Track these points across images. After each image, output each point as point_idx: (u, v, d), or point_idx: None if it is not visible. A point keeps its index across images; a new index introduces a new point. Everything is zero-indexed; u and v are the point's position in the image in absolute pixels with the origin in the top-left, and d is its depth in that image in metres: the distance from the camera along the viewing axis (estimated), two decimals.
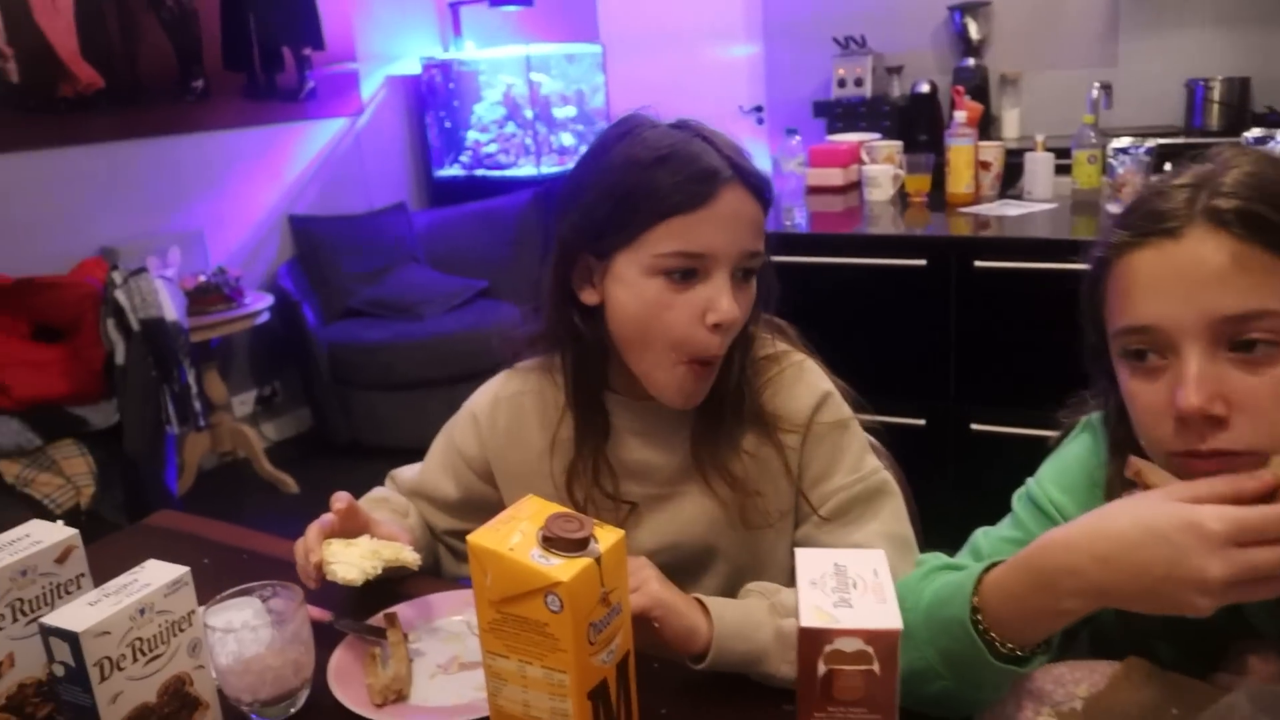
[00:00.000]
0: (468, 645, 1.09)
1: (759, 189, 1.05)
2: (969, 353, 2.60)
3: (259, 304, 3.67)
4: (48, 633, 0.83)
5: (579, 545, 0.74)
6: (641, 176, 1.02)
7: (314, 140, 4.41)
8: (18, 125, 3.40)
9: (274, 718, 1.00)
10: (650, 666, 0.95)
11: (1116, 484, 0.88)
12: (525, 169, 4.74)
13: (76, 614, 0.84)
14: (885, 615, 0.68)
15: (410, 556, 1.10)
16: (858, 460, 1.14)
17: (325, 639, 1.06)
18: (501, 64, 4.85)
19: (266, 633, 0.99)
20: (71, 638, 0.82)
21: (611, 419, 1.16)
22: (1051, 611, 0.77)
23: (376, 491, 1.33)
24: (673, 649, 0.97)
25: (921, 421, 2.68)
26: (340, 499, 1.12)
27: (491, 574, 0.75)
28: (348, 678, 1.03)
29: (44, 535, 0.92)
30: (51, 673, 0.85)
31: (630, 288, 1.04)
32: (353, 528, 1.12)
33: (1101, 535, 0.74)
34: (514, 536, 0.76)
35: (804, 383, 1.14)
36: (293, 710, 1.01)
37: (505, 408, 1.22)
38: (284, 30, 4.28)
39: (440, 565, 1.30)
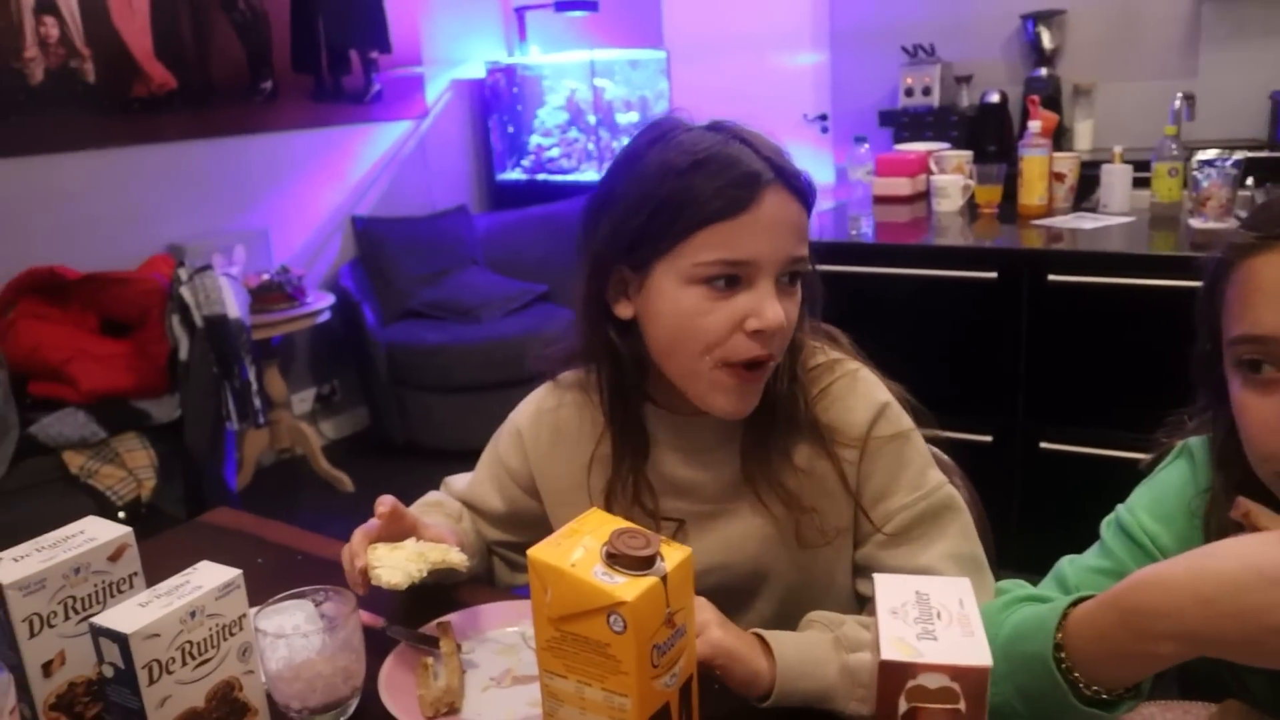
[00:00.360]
0: (522, 658, 1.06)
1: (802, 191, 1.00)
2: (1040, 368, 2.53)
3: (320, 303, 3.69)
4: (98, 633, 0.81)
5: (645, 563, 0.70)
6: (678, 183, 0.97)
7: (379, 142, 4.44)
8: (93, 124, 3.46)
9: None
10: (711, 688, 0.91)
11: (1221, 504, 0.82)
12: (587, 174, 4.73)
13: (127, 615, 0.82)
14: (974, 650, 0.63)
15: (457, 558, 1.07)
16: (920, 475, 1.08)
17: (376, 646, 1.04)
18: (565, 69, 4.85)
19: (318, 639, 0.97)
20: (121, 639, 0.80)
21: (653, 435, 1.12)
22: (1143, 655, 0.71)
23: (431, 496, 1.31)
24: (734, 691, 0.93)
25: (988, 438, 2.60)
26: (384, 503, 1.09)
27: (552, 590, 0.72)
28: (398, 687, 1.00)
29: (98, 533, 0.90)
30: (101, 673, 0.83)
31: (668, 298, 1.00)
32: (399, 531, 1.09)
33: (1205, 576, 0.67)
34: (576, 551, 0.72)
35: (859, 393, 1.08)
36: (350, 712, 0.99)
37: (547, 422, 1.19)
38: (352, 33, 4.32)
39: (494, 575, 1.27)
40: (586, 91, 4.74)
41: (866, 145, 3.19)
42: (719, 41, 4.74)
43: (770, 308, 0.97)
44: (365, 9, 4.37)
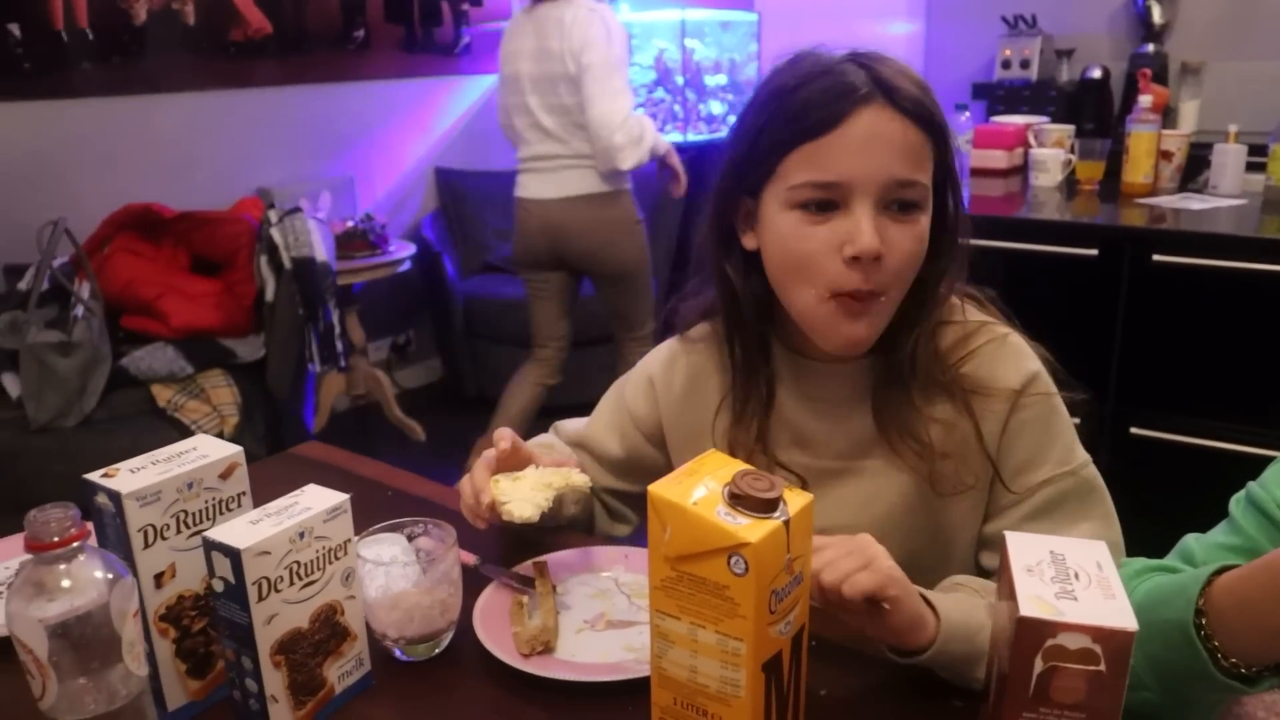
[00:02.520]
0: (615, 603, 1.05)
1: (914, 111, 0.93)
2: (1135, 350, 2.45)
3: (402, 252, 3.72)
4: (210, 547, 0.82)
5: (769, 506, 0.68)
6: (781, 102, 0.94)
7: (465, 95, 4.44)
8: (190, 66, 3.51)
9: (418, 657, 0.98)
10: (809, 644, 0.89)
11: None
12: (672, 135, 4.68)
13: (239, 531, 0.83)
14: (1118, 613, 0.60)
15: (580, 479, 1.07)
16: (1068, 450, 1.02)
17: (470, 584, 1.04)
18: (655, 28, 4.79)
19: (416, 570, 0.98)
20: (234, 554, 0.81)
21: (781, 382, 1.09)
22: None
23: (541, 438, 1.30)
24: (888, 638, 0.86)
25: (1076, 420, 2.52)
26: (504, 436, 1.09)
27: (671, 528, 0.70)
28: (492, 624, 1.00)
29: (210, 450, 0.91)
30: (210, 587, 0.84)
31: (773, 225, 0.97)
32: (515, 463, 1.09)
33: None
34: (697, 490, 0.71)
35: (1008, 358, 1.03)
36: (437, 651, 0.99)
37: (680, 369, 1.17)
38: None
39: (594, 521, 1.26)
40: (675, 52, 4.68)
41: (968, 114, 3.10)
42: (812, 6, 4.64)
43: (865, 232, 0.92)
44: None
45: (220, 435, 2.79)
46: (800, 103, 0.93)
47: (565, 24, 2.88)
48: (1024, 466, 1.02)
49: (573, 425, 1.29)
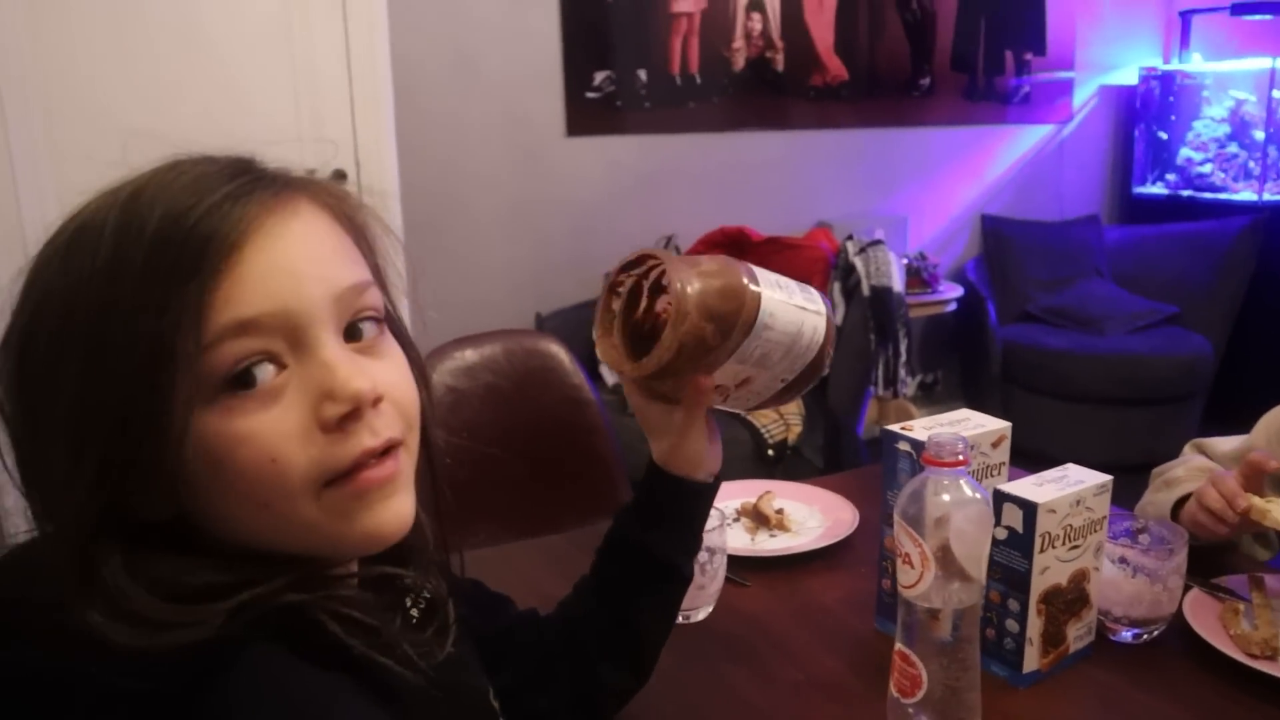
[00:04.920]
0: None
1: None
2: None
3: (950, 293, 3.82)
4: (1003, 498, 0.96)
5: None
6: None
7: (1017, 144, 4.46)
8: (777, 107, 3.90)
9: (1127, 640, 1.05)
10: None
11: None
12: (1243, 194, 4.34)
13: (1028, 489, 0.96)
14: None
15: None
16: None
17: None
18: (1232, 78, 4.48)
19: (1150, 557, 1.05)
20: (1029, 507, 0.94)
21: None
22: None
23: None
24: None
25: None
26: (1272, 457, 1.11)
27: None
28: (1202, 623, 1.05)
29: (984, 421, 1.06)
30: (994, 537, 0.97)
31: None
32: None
33: None
34: None
35: None
36: (1154, 634, 1.05)
37: None
38: (1010, 34, 4.37)
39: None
40: (1256, 104, 4.34)
41: None
42: None
43: None
44: (1027, 10, 4.39)
45: (784, 441, 3.07)
46: None
47: None
48: None
49: (1225, 444, 1.30)
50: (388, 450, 0.58)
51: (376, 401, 0.57)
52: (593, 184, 3.58)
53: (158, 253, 0.52)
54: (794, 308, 0.79)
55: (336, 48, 2.93)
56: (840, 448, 3.08)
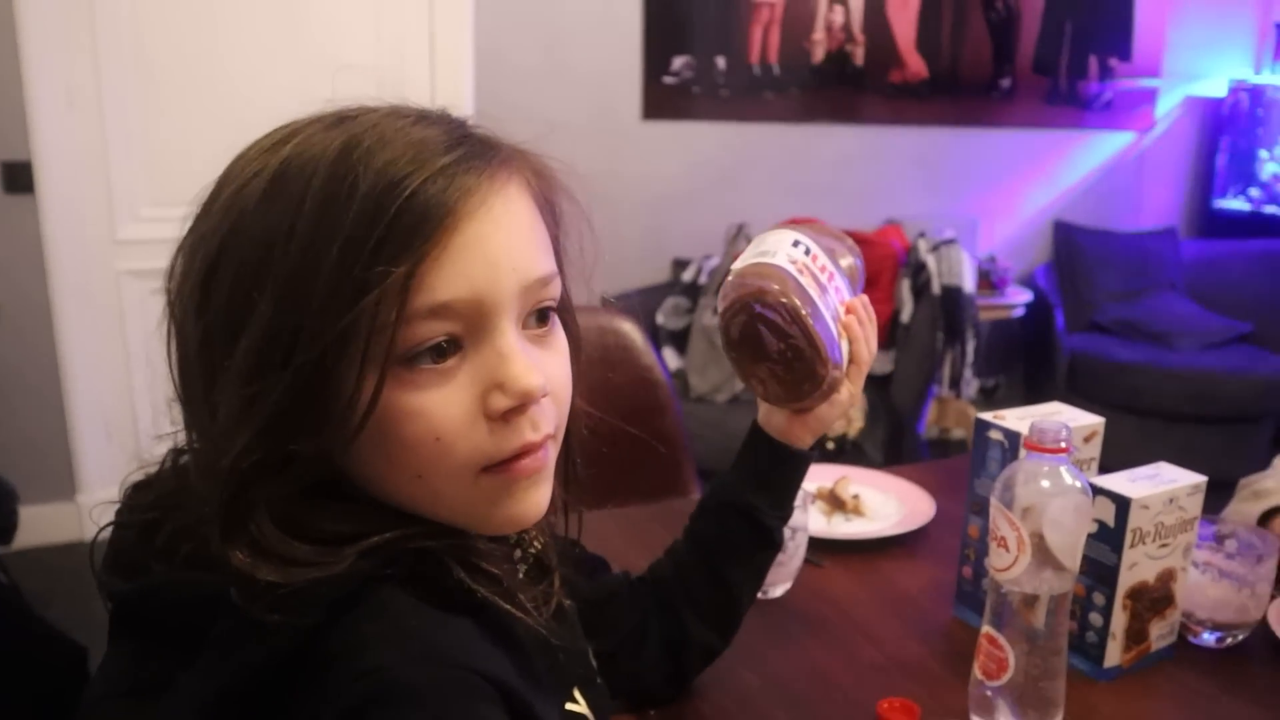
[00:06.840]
0: None
1: None
2: None
3: (1018, 298, 3.78)
4: (1099, 491, 0.96)
5: None
6: None
7: (1095, 151, 4.39)
8: (854, 101, 3.88)
9: (1209, 643, 1.05)
10: None
11: None
12: None
13: (1121, 484, 0.96)
14: None
15: None
16: None
17: None
18: None
19: (1230, 563, 1.04)
20: (1123, 501, 0.94)
21: None
22: None
23: None
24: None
25: None
26: None
27: None
28: None
29: (1074, 416, 1.05)
30: None
31: None
32: None
33: None
34: None
35: None
36: (1238, 639, 1.05)
37: None
38: (1096, 39, 4.30)
39: None
40: None
41: None
42: None
43: None
44: (1114, 16, 4.32)
45: (845, 435, 3.07)
46: None
47: None
48: None
49: None
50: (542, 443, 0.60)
51: (542, 397, 0.59)
52: (665, 168, 3.59)
53: (369, 218, 0.52)
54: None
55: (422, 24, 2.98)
56: (901, 445, 3.07)
